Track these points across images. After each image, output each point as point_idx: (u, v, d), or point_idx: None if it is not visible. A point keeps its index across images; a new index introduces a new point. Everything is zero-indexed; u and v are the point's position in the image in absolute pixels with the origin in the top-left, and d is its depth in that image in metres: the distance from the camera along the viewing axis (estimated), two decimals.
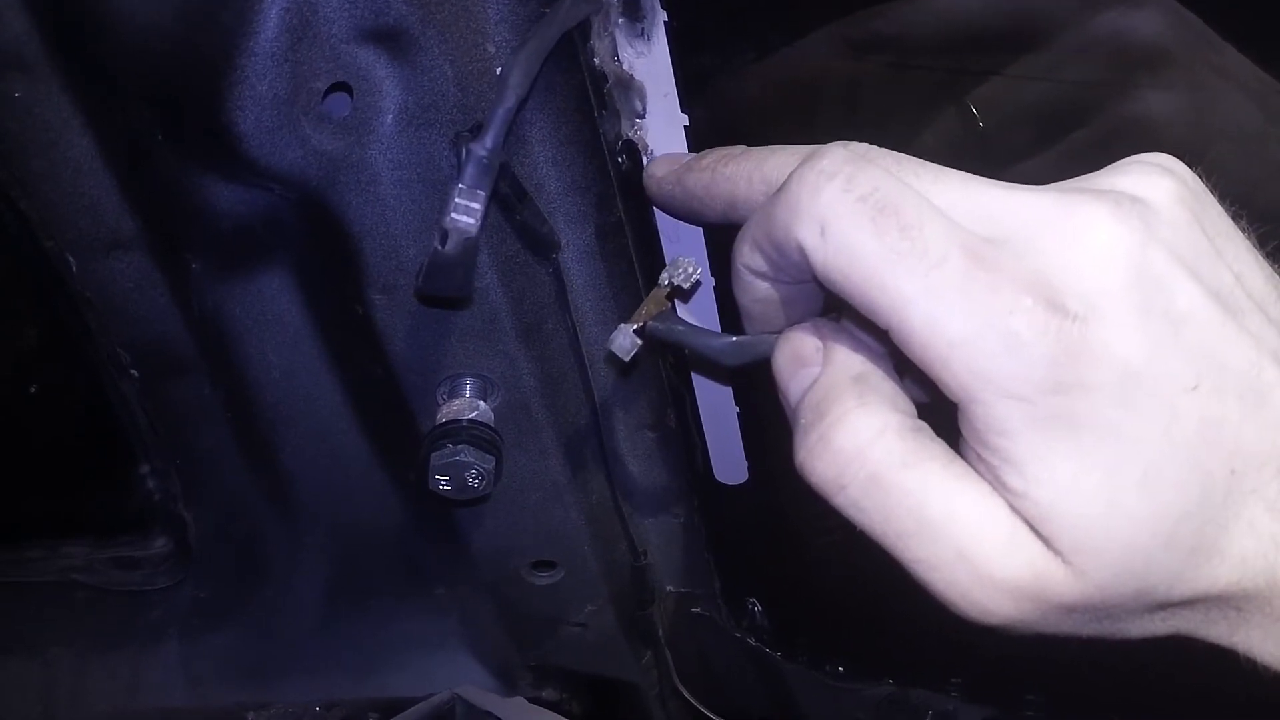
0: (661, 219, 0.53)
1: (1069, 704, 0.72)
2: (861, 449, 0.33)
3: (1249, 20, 0.46)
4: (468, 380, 0.56)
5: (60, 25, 0.47)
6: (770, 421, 0.61)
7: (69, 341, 0.62)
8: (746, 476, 0.65)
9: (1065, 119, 0.50)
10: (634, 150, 0.51)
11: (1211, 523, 0.31)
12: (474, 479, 0.54)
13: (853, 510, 0.34)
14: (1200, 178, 0.35)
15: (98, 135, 0.51)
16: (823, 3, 0.50)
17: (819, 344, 0.37)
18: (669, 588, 0.76)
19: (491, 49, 0.46)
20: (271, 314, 0.56)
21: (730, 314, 0.52)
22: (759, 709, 0.80)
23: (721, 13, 0.49)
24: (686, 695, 0.78)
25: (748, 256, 0.37)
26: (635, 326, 0.48)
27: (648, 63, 0.48)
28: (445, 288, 0.46)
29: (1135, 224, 0.31)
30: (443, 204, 0.44)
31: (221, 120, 0.44)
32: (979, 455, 0.32)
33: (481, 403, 0.56)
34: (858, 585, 0.65)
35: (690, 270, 0.49)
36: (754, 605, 0.74)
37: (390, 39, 0.44)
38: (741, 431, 0.62)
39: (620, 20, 0.47)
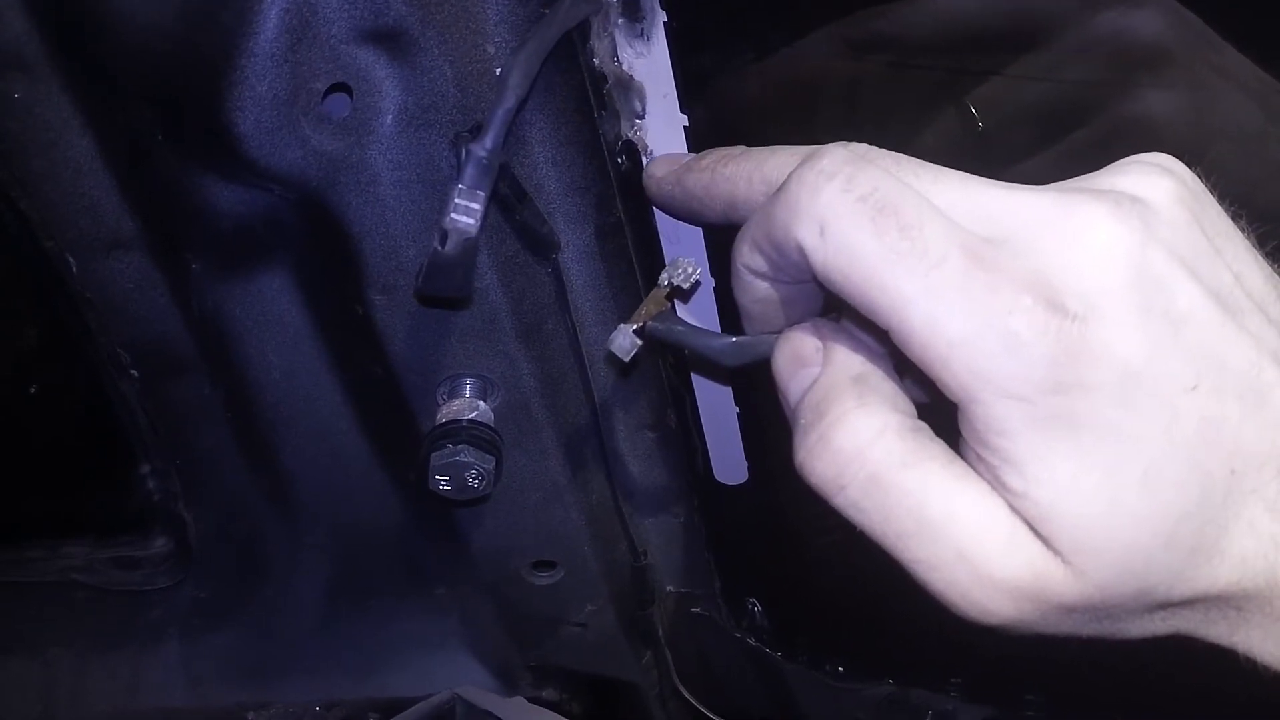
0: (661, 219, 0.53)
1: (1069, 704, 0.72)
2: (861, 449, 0.33)
3: (1249, 20, 0.46)
4: (468, 380, 0.56)
5: (60, 25, 0.47)
6: (770, 422, 0.61)
7: (69, 341, 0.62)
8: (746, 476, 0.65)
9: (1065, 119, 0.50)
10: (633, 151, 0.51)
11: (1211, 523, 0.31)
12: (474, 479, 0.54)
13: (852, 510, 0.34)
14: (1200, 178, 0.35)
15: (98, 135, 0.51)
16: (822, 3, 0.50)
17: (819, 344, 0.38)
18: (669, 588, 0.76)
19: (491, 49, 0.46)
20: (271, 314, 0.56)
21: (730, 314, 0.52)
22: (759, 709, 0.80)
23: (721, 13, 0.49)
24: (686, 695, 0.78)
25: (747, 256, 0.37)
26: (635, 327, 0.48)
27: (647, 63, 0.48)
28: (445, 288, 0.46)
29: (1135, 224, 0.31)
30: (442, 204, 0.44)
31: (221, 120, 0.44)
32: (979, 455, 0.32)
33: (481, 403, 0.56)
34: (858, 585, 0.65)
35: (690, 270, 0.49)
36: (754, 605, 0.74)
37: (390, 39, 0.44)
38: (741, 432, 0.62)
39: (620, 21, 0.47)
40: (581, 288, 0.57)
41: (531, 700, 0.80)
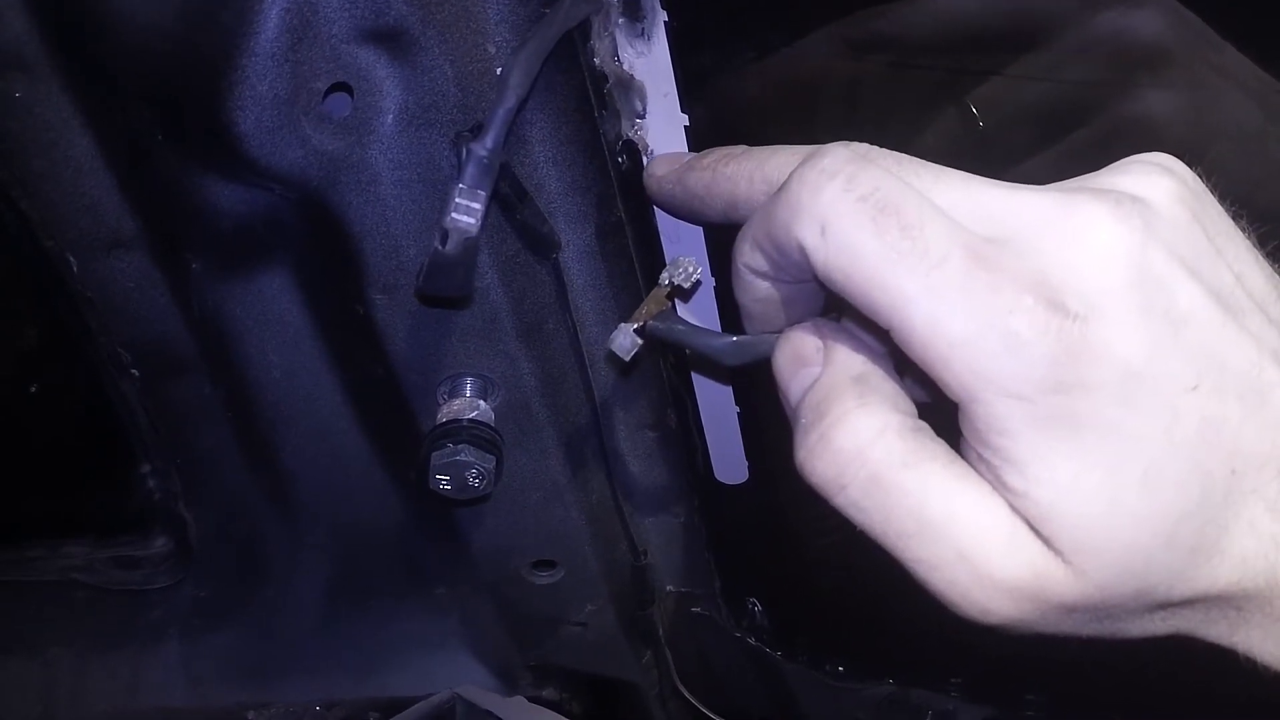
0: (662, 219, 0.53)
1: (1069, 704, 0.72)
2: (862, 449, 0.33)
3: (1249, 20, 0.46)
4: (468, 380, 0.56)
5: (60, 25, 0.47)
6: (770, 421, 0.61)
7: (69, 341, 0.62)
8: (747, 476, 0.65)
9: (1065, 119, 0.50)
10: (634, 150, 0.51)
11: (1212, 522, 0.31)
12: (474, 478, 0.54)
13: (853, 510, 0.34)
14: (1200, 177, 0.35)
15: (98, 135, 0.51)
16: (823, 3, 0.50)
17: (819, 344, 0.37)
18: (669, 587, 0.76)
19: (492, 49, 0.46)
20: (272, 314, 0.56)
21: (730, 314, 0.52)
22: (759, 709, 0.80)
23: (721, 13, 0.49)
24: (686, 695, 0.78)
25: (748, 256, 0.37)
26: (636, 326, 0.47)
27: (648, 63, 0.48)
28: (446, 287, 0.46)
29: (1136, 223, 0.31)
30: (443, 204, 0.44)
31: (222, 120, 0.44)
32: (979, 455, 0.32)
33: (482, 402, 0.56)
34: (858, 585, 0.65)
35: (691, 270, 0.49)
36: (754, 605, 0.74)
37: (391, 39, 0.44)
38: (742, 431, 0.62)
39: (620, 20, 0.47)
40: (582, 287, 0.57)
41: (531, 700, 0.80)
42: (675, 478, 0.68)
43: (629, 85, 0.49)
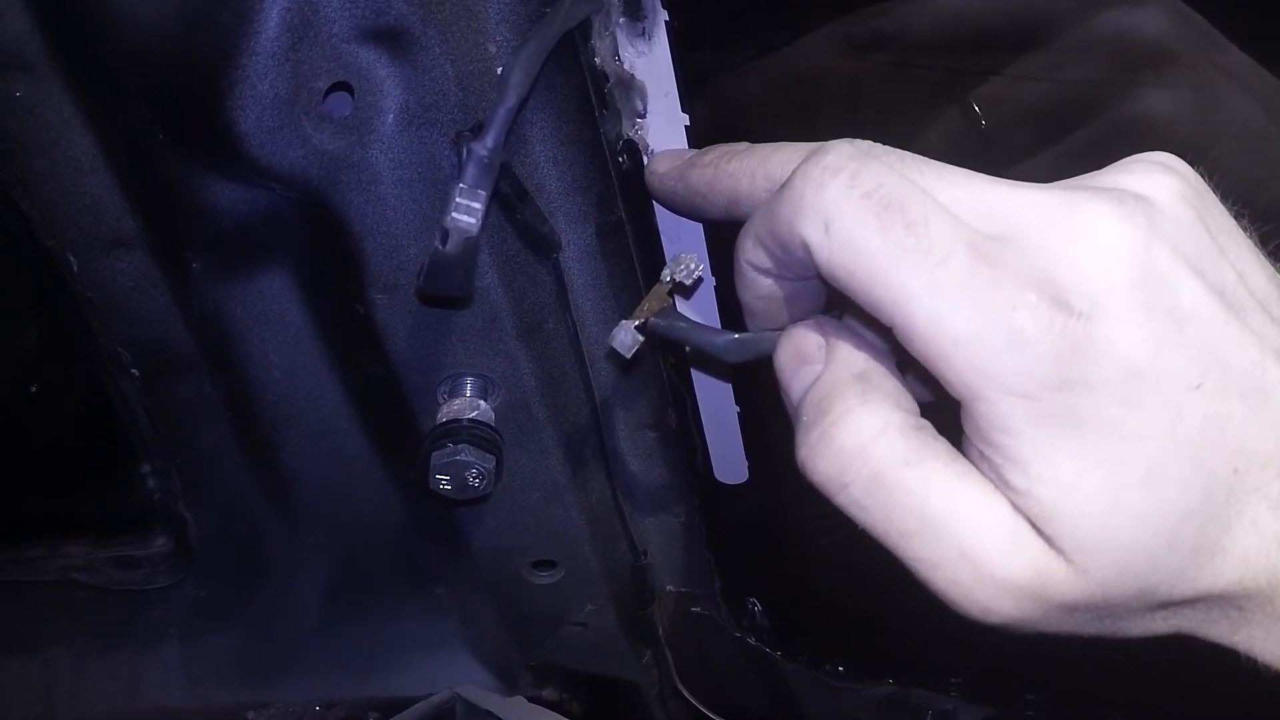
0: (662, 218, 0.53)
1: (1070, 703, 0.72)
2: (864, 447, 0.33)
3: (1252, 19, 0.46)
4: (468, 379, 0.56)
5: (61, 25, 0.47)
6: (770, 421, 0.61)
7: (70, 341, 0.62)
8: (747, 476, 0.65)
9: (1068, 118, 0.50)
10: (635, 150, 0.51)
11: (1214, 521, 0.31)
12: (474, 478, 0.54)
13: (854, 509, 0.34)
14: (1202, 177, 0.35)
15: (99, 135, 0.51)
16: (824, 2, 0.50)
17: (821, 341, 0.37)
18: (669, 587, 0.76)
19: (492, 48, 0.46)
20: (272, 313, 0.56)
21: (731, 312, 0.52)
22: (759, 708, 0.80)
23: (722, 12, 0.49)
24: (686, 695, 0.78)
25: (751, 253, 0.37)
26: (637, 323, 0.47)
27: (649, 62, 0.48)
28: (446, 287, 0.46)
29: (1139, 222, 0.31)
30: (443, 203, 0.44)
31: (222, 120, 0.44)
32: (981, 453, 0.32)
33: (482, 402, 0.56)
34: (858, 585, 0.65)
35: (692, 267, 0.49)
36: (754, 605, 0.74)
37: (391, 38, 0.44)
38: (742, 431, 0.62)
39: (621, 20, 0.47)
40: (582, 287, 0.57)
41: (531, 700, 0.80)
42: (675, 477, 0.68)
43: (630, 85, 0.49)
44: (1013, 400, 0.31)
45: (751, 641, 0.76)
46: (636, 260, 0.56)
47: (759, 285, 0.39)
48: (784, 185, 0.34)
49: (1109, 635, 0.34)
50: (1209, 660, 0.35)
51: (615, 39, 0.48)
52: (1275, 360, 0.32)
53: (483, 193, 0.44)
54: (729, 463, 0.64)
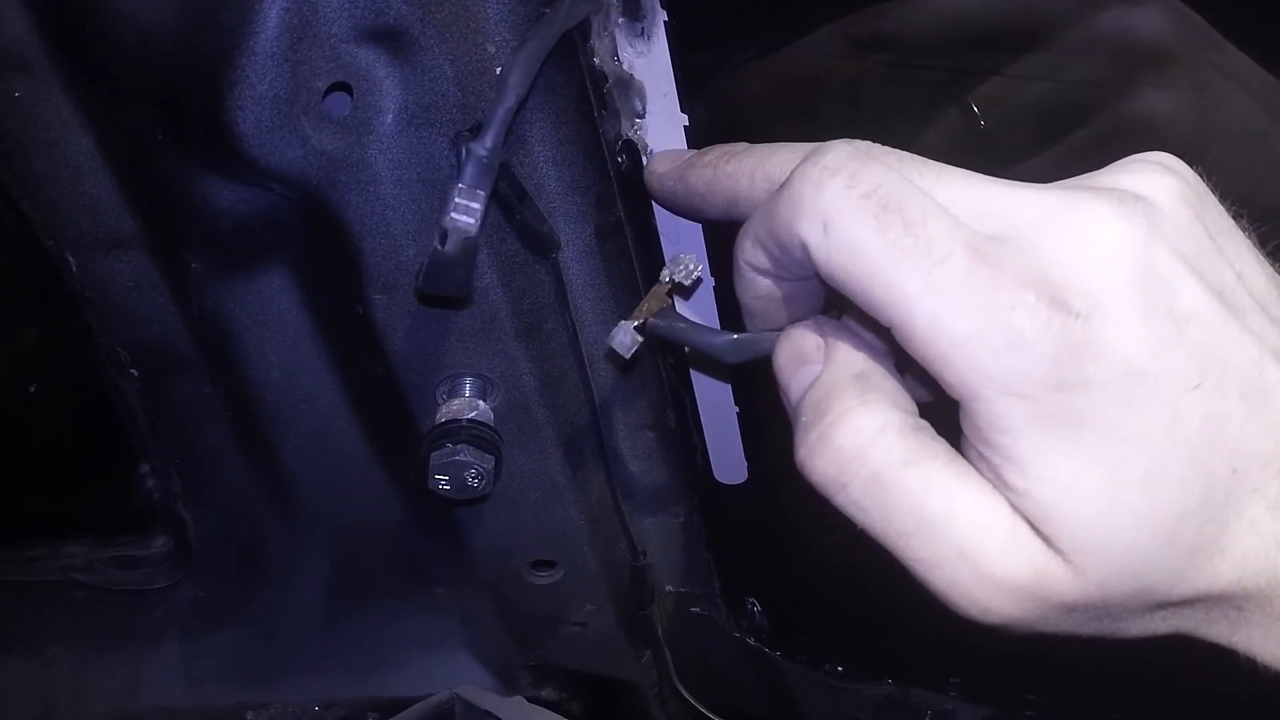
0: (661, 218, 0.53)
1: (1069, 703, 0.72)
2: (862, 447, 0.33)
3: (1251, 19, 0.46)
4: (467, 380, 0.56)
5: (61, 25, 0.47)
6: (770, 421, 0.61)
7: (69, 341, 0.62)
8: (746, 476, 0.65)
9: (1067, 118, 0.50)
10: (634, 150, 0.51)
11: (1213, 522, 0.31)
12: (473, 478, 0.54)
13: (853, 509, 0.34)
14: (1201, 177, 0.35)
15: (98, 135, 0.51)
16: (823, 2, 0.50)
17: (820, 342, 0.37)
18: (669, 587, 0.76)
19: (491, 49, 0.46)
20: (271, 313, 0.56)
21: (730, 313, 0.52)
22: (758, 709, 0.80)
23: (721, 12, 0.49)
24: (686, 695, 0.78)
25: (750, 253, 0.37)
26: (636, 323, 0.47)
27: (647, 62, 0.48)
28: (445, 287, 0.46)
29: (1139, 221, 0.31)
30: (442, 203, 0.44)
31: (222, 120, 0.44)
32: (980, 453, 0.32)
33: (481, 402, 0.56)
34: (857, 585, 0.65)
35: (691, 267, 0.49)
36: (753, 605, 0.74)
37: (390, 39, 0.44)
38: (741, 431, 0.62)
39: (620, 20, 0.47)
40: (581, 287, 0.57)
41: (531, 700, 0.80)
42: (675, 478, 0.68)
43: (629, 85, 0.49)
44: (1011, 400, 0.31)
45: (751, 642, 0.76)
46: (635, 260, 0.56)
47: (758, 285, 0.39)
48: (783, 185, 0.34)
49: (1108, 635, 0.34)
50: (1208, 660, 0.35)
51: (614, 39, 0.48)
52: (1274, 360, 0.32)
53: (482, 193, 0.44)
54: (728, 463, 0.64)
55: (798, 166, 0.34)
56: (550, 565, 0.68)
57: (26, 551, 0.74)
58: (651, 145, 0.50)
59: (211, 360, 0.60)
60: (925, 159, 0.34)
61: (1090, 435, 0.30)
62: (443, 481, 0.54)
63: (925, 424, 0.34)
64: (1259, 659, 0.34)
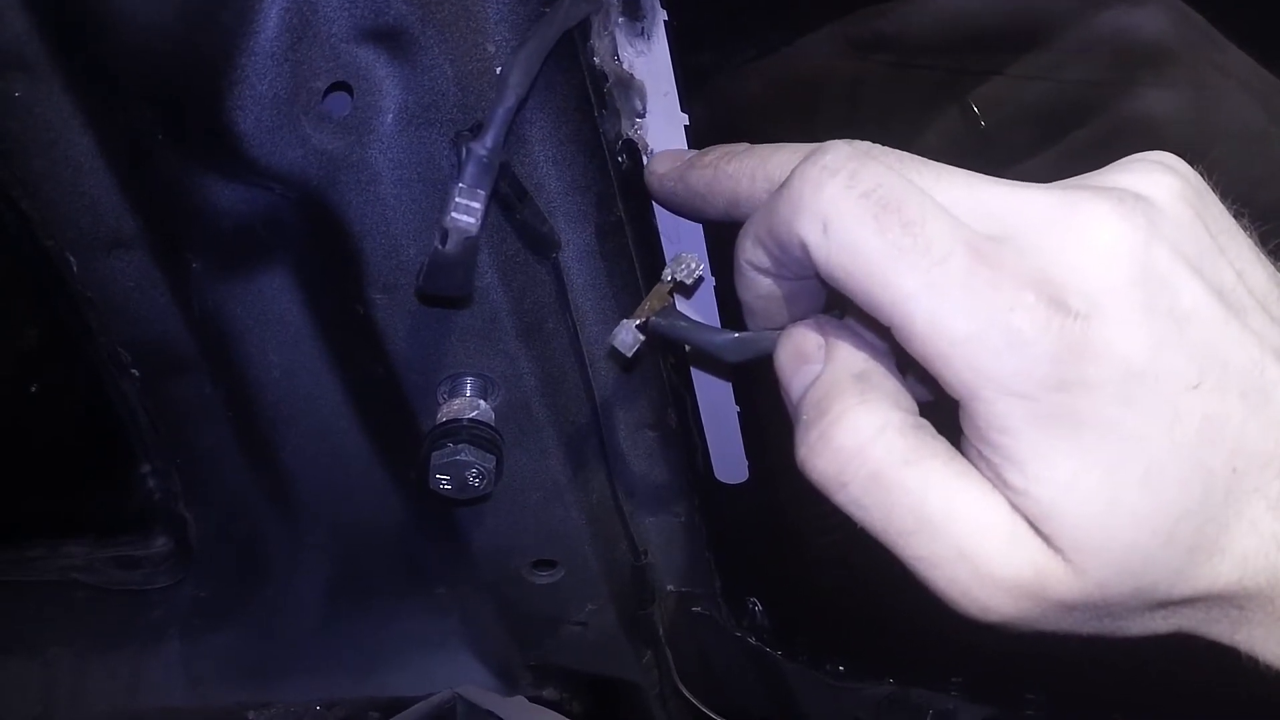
0: (661, 218, 0.53)
1: (1070, 703, 0.72)
2: (863, 446, 0.33)
3: (1252, 19, 0.46)
4: (468, 379, 0.56)
5: (61, 25, 0.47)
6: (770, 421, 0.61)
7: (69, 341, 0.62)
8: (747, 476, 0.65)
9: (1067, 118, 0.50)
10: (634, 149, 0.51)
11: (1213, 521, 0.31)
12: (474, 478, 0.54)
13: (853, 508, 0.34)
14: (1202, 176, 0.35)
15: (98, 135, 0.51)
16: (823, 2, 0.50)
17: (821, 341, 0.37)
18: (669, 587, 0.76)
19: (491, 48, 0.46)
20: (272, 313, 0.56)
21: (731, 312, 0.52)
22: (759, 708, 0.80)
23: (722, 12, 0.49)
24: (687, 694, 0.78)
25: (750, 252, 0.37)
26: (638, 322, 0.48)
27: (648, 62, 0.48)
28: (446, 287, 0.46)
29: (1139, 221, 0.31)
30: (443, 203, 0.44)
31: (222, 120, 0.44)
32: (980, 453, 0.32)
33: (482, 402, 0.56)
34: (858, 584, 0.65)
35: (693, 266, 0.49)
36: (754, 604, 0.74)
37: (390, 38, 0.44)
38: (742, 431, 0.62)
39: (620, 19, 0.47)
40: (582, 287, 0.57)
41: (532, 700, 0.80)
42: (675, 477, 0.68)
43: (629, 84, 0.49)
44: (1011, 400, 0.31)
45: (752, 641, 0.76)
46: (636, 260, 0.56)
47: (759, 285, 0.39)
48: (783, 185, 0.34)
49: (1108, 634, 0.34)
50: (1209, 660, 0.35)
51: (614, 39, 0.48)
52: (1275, 359, 0.32)
53: (482, 192, 0.44)
54: (729, 462, 0.64)
55: (798, 166, 0.34)
56: (551, 565, 0.68)
57: (26, 551, 0.74)
58: (652, 145, 0.50)
59: (212, 360, 0.60)
60: (925, 159, 0.34)
61: (1090, 435, 0.30)
62: (444, 481, 0.54)
63: (925, 423, 0.34)
64: (1260, 658, 0.34)
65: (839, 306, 0.39)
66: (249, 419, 0.62)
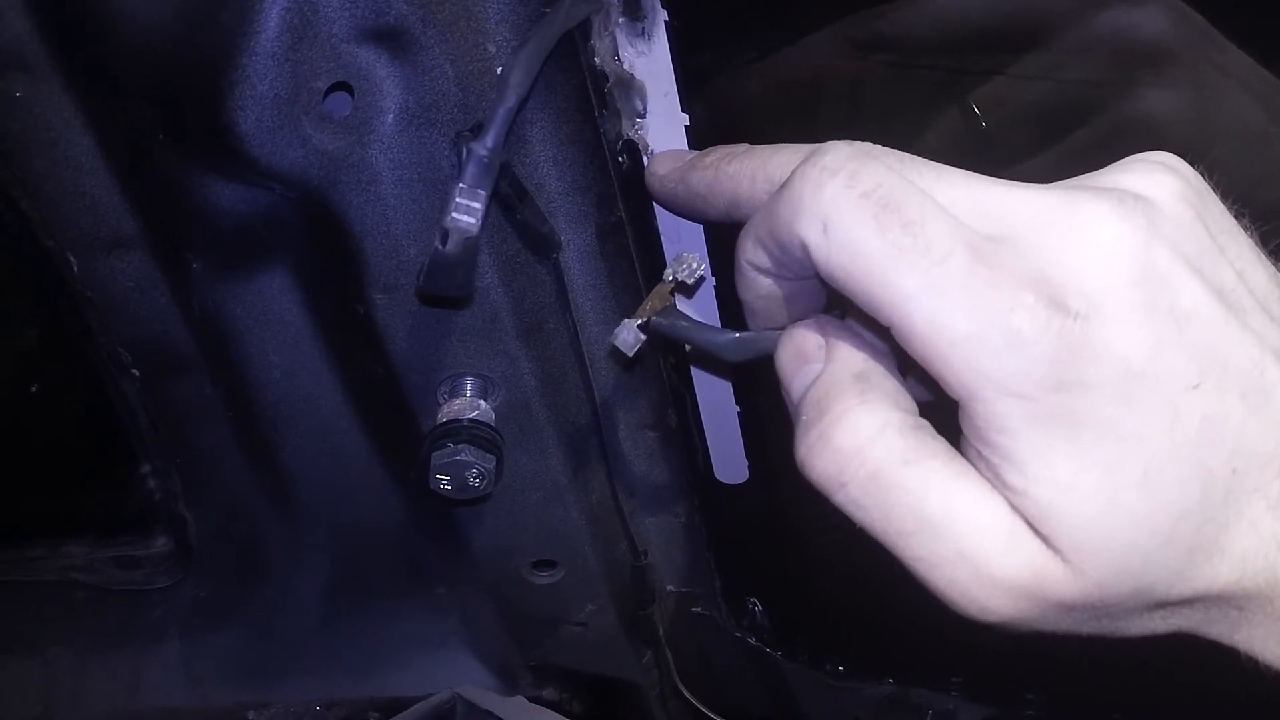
0: (662, 218, 0.53)
1: (1070, 703, 0.72)
2: (862, 446, 0.33)
3: (1252, 19, 0.46)
4: (468, 379, 0.56)
5: (61, 25, 0.47)
6: (770, 421, 0.61)
7: (70, 341, 0.62)
8: (747, 476, 0.65)
9: (1068, 118, 0.50)
10: (634, 150, 0.51)
11: (1212, 521, 0.31)
12: (474, 478, 0.54)
13: (853, 508, 0.34)
14: (1203, 176, 0.35)
15: (99, 135, 0.51)
16: (824, 2, 0.50)
17: (822, 341, 0.37)
18: (669, 587, 0.76)
19: (492, 48, 0.46)
20: (272, 313, 0.56)
21: (732, 312, 0.52)
22: (759, 708, 0.80)
23: (722, 12, 0.49)
24: (687, 695, 0.78)
25: (751, 253, 0.37)
26: (639, 321, 0.48)
27: (648, 62, 0.48)
28: (446, 287, 0.46)
29: (1139, 221, 0.31)
30: (443, 203, 0.44)
31: (222, 120, 0.45)
32: (979, 453, 0.32)
33: (482, 402, 0.56)
34: (858, 584, 0.65)
35: (694, 266, 0.49)
36: (754, 604, 0.74)
37: (391, 38, 0.44)
38: (742, 431, 0.62)
39: (621, 20, 0.47)
40: (582, 287, 0.57)
41: (532, 700, 0.80)
42: (675, 477, 0.68)
43: (629, 85, 0.49)
44: (1010, 401, 0.31)
45: (752, 641, 0.76)
46: (636, 260, 0.56)
47: (759, 285, 0.39)
48: (783, 186, 0.34)
49: (1107, 634, 0.34)
50: (1209, 659, 0.35)
51: (615, 39, 0.48)
52: (1275, 360, 0.32)
53: (482, 192, 0.44)
54: (729, 462, 0.65)
55: (798, 167, 0.34)
56: (551, 565, 0.68)
57: (26, 551, 0.74)
58: (652, 145, 0.50)
59: (212, 360, 0.60)
60: (925, 160, 0.34)
61: (1089, 435, 0.30)
62: (444, 481, 0.54)
63: (925, 423, 0.34)
64: (1260, 659, 0.34)
65: (840, 307, 0.39)
66: (249, 419, 0.62)
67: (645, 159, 0.50)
